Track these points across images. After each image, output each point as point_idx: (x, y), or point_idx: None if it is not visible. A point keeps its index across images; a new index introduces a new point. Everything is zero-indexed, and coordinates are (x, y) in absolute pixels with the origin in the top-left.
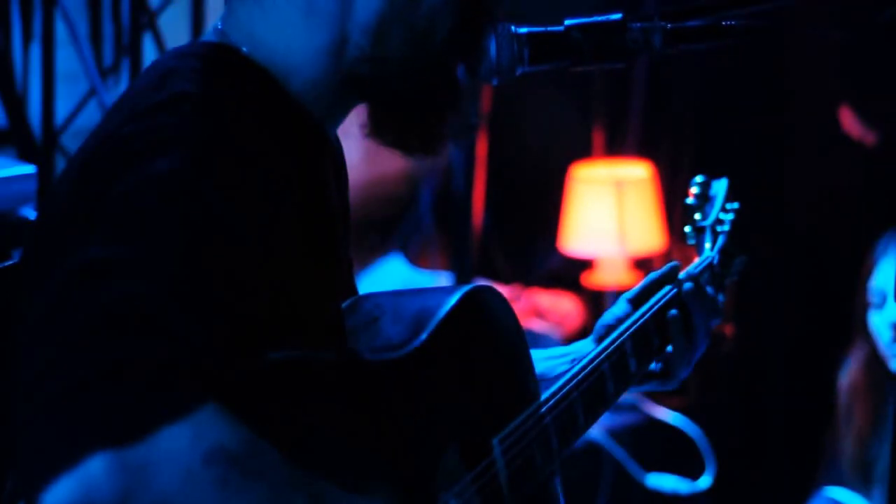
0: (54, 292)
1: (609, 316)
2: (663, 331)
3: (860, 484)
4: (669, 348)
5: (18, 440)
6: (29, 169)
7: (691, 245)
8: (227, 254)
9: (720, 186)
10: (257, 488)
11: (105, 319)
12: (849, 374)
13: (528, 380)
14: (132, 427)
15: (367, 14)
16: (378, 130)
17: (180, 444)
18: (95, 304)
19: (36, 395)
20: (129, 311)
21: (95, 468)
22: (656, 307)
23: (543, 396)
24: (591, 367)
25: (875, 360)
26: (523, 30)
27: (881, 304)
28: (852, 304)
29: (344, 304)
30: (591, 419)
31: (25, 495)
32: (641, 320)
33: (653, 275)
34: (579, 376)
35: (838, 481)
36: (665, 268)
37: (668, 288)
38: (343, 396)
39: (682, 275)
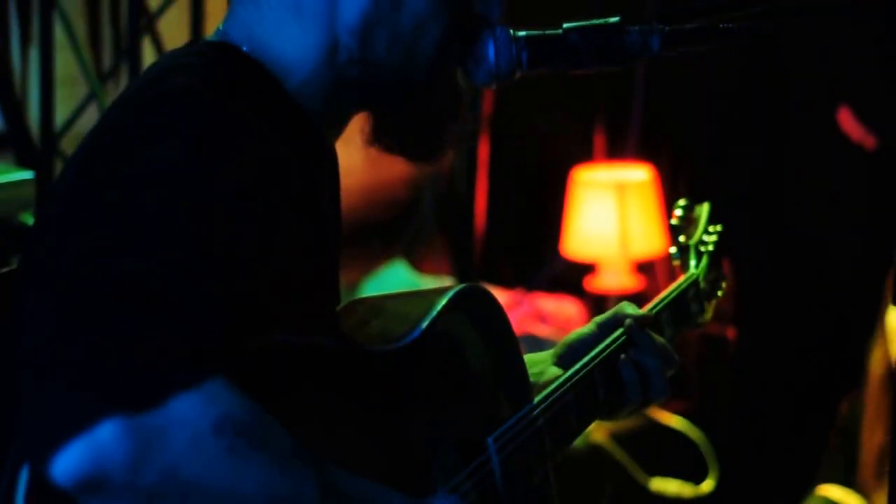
0: (62, 269)
1: (574, 335)
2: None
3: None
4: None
5: (24, 409)
6: (27, 174)
7: (676, 264)
8: (228, 236)
9: (703, 210)
10: (263, 457)
11: (117, 292)
12: (874, 364)
13: (520, 380)
14: (144, 394)
15: (351, 15)
16: (379, 138)
17: (191, 412)
18: (107, 278)
19: (45, 364)
20: (141, 285)
21: (107, 433)
22: (616, 345)
23: (537, 399)
24: (584, 371)
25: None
26: (522, 33)
27: None
28: (881, 289)
29: (338, 308)
30: (583, 423)
31: (35, 461)
32: (609, 350)
33: (624, 305)
34: (573, 379)
35: (835, 479)
36: (614, 310)
37: (620, 332)
38: (338, 382)
39: (647, 309)
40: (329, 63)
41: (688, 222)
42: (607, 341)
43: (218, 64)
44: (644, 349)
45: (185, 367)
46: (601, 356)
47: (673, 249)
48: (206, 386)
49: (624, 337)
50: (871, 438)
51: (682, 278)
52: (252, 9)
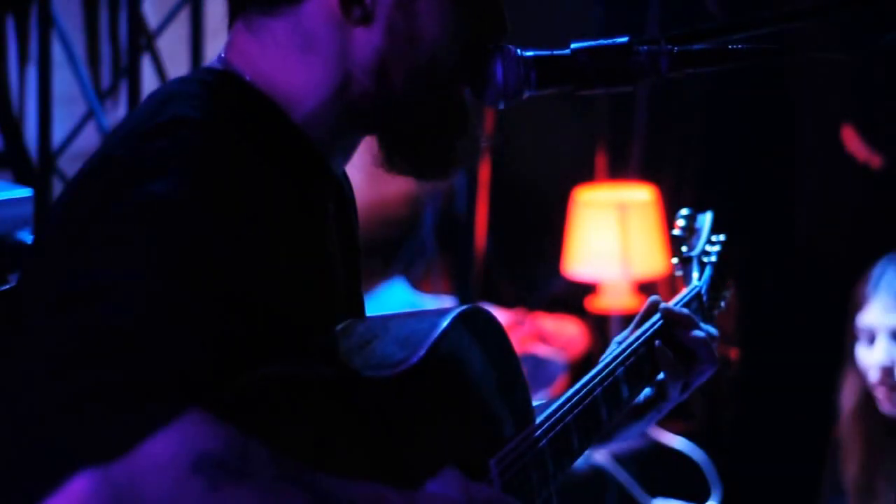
0: (40, 316)
1: (602, 360)
2: (653, 357)
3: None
4: (662, 375)
5: (1, 464)
6: (25, 192)
7: (679, 276)
8: (212, 274)
9: (705, 219)
10: (249, 488)
11: (85, 340)
12: (844, 398)
13: (522, 401)
14: (114, 442)
15: (366, 53)
16: (390, 160)
17: (165, 453)
18: (76, 326)
19: (17, 420)
20: (109, 332)
21: (82, 487)
22: (645, 336)
23: (539, 419)
24: (583, 392)
25: (866, 390)
26: (530, 53)
27: (870, 342)
28: (841, 331)
29: (337, 328)
30: (586, 444)
31: None
32: (631, 348)
33: (638, 315)
34: (573, 400)
35: (839, 499)
36: (646, 303)
37: (656, 317)
38: (337, 412)
39: (666, 305)
40: (340, 97)
41: (690, 232)
42: (615, 351)
43: (219, 93)
44: (687, 324)
45: (155, 408)
46: (607, 370)
47: (675, 260)
48: (178, 423)
49: (642, 338)
50: (847, 471)
51: (683, 291)
52: (254, 42)
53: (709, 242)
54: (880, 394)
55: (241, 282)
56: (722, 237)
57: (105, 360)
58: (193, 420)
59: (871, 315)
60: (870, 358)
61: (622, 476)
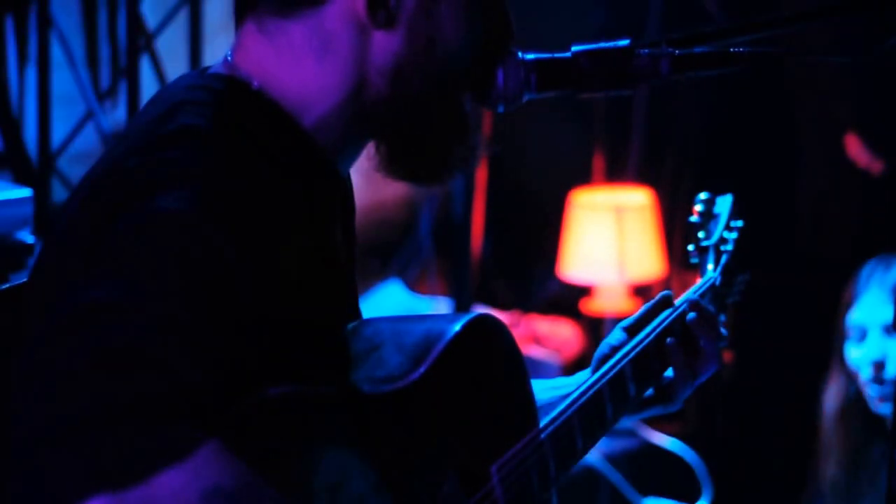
0: (53, 332)
1: (604, 345)
2: (663, 355)
3: None
4: (669, 372)
5: (15, 483)
6: (25, 192)
7: (694, 264)
8: (225, 293)
9: (725, 203)
10: None
11: (103, 361)
12: (829, 400)
13: (527, 406)
14: (131, 469)
15: (384, 57)
16: (389, 164)
17: (179, 485)
18: (93, 345)
19: (34, 438)
20: (126, 353)
21: None
22: (656, 332)
23: (542, 422)
24: (590, 392)
25: (852, 390)
26: (530, 56)
27: (861, 339)
28: (831, 334)
29: (346, 328)
30: (589, 444)
31: None
32: (641, 345)
33: (648, 304)
34: (579, 401)
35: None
36: (658, 296)
37: (667, 313)
38: (342, 430)
39: (681, 299)
40: (352, 100)
41: (708, 218)
42: (633, 343)
43: (227, 103)
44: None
45: (172, 438)
46: (615, 367)
47: (691, 248)
48: (195, 455)
49: (652, 334)
50: (828, 472)
51: (698, 282)
52: (266, 44)
53: (727, 229)
54: (871, 391)
55: (252, 298)
56: (740, 223)
57: (118, 381)
58: (209, 453)
59: (862, 312)
60: (861, 355)
61: (613, 476)
